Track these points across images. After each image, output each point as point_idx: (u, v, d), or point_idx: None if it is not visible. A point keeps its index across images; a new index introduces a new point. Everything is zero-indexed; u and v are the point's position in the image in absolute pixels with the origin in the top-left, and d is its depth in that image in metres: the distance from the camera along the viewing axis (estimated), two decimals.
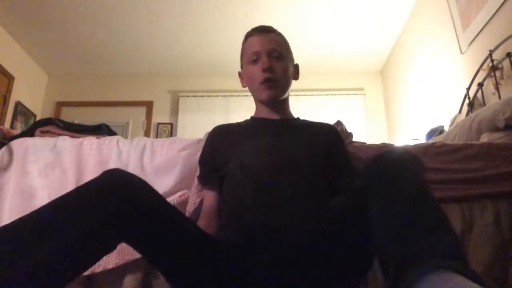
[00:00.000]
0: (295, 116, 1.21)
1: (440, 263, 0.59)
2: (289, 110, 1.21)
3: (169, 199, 1.12)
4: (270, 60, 1.10)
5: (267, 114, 1.16)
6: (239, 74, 1.23)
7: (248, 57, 1.14)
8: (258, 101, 1.18)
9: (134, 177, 0.78)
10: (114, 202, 0.70)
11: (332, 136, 1.13)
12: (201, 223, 1.02)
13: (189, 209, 1.12)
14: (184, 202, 1.12)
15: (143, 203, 0.74)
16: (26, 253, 0.61)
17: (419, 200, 0.72)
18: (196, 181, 1.16)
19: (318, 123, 1.19)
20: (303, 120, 1.20)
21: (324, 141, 1.08)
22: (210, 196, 1.08)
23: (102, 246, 0.72)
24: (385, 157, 0.81)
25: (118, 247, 1.01)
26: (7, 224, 0.66)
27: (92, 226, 0.67)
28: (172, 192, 1.14)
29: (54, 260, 0.63)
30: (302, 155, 1.01)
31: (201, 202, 1.12)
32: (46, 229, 0.65)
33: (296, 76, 1.22)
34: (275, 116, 1.15)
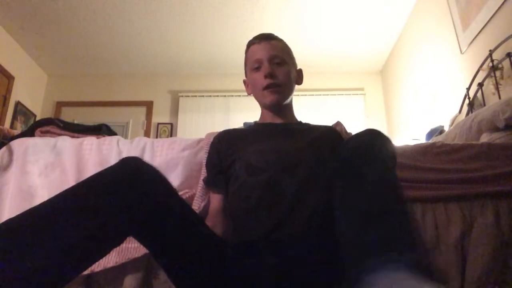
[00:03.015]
0: (298, 120, 1.24)
1: (389, 259, 0.59)
2: (293, 114, 1.23)
3: None
4: (271, 67, 1.13)
5: (271, 119, 1.18)
6: (244, 82, 1.26)
7: (251, 65, 1.18)
8: (262, 106, 1.21)
9: (150, 168, 0.77)
10: (127, 193, 0.69)
11: (335, 140, 1.14)
12: (208, 224, 1.03)
13: (196, 200, 1.12)
14: (186, 201, 1.12)
15: (156, 196, 0.74)
16: (34, 247, 0.60)
17: (379, 189, 0.73)
18: (201, 184, 1.15)
19: (321, 126, 1.21)
20: (306, 124, 1.22)
21: (328, 144, 1.09)
22: (216, 199, 1.10)
23: (111, 239, 0.71)
24: (351, 142, 0.82)
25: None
26: (12, 219, 0.64)
27: (102, 219, 0.66)
28: None
29: (62, 254, 0.62)
30: (307, 156, 1.02)
31: (205, 206, 1.12)
32: (57, 221, 0.64)
33: (299, 81, 1.24)
34: (279, 121, 1.17)
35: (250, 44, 1.21)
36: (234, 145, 1.11)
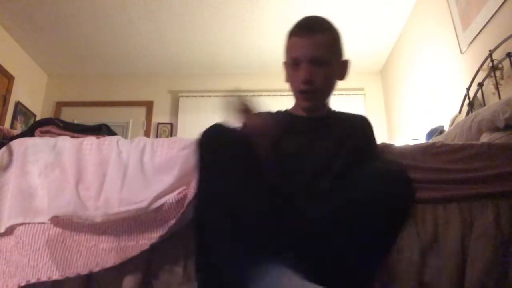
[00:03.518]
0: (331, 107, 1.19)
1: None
2: (328, 105, 1.17)
3: (167, 197, 1.12)
4: (310, 70, 1.02)
5: (303, 112, 1.12)
6: (283, 66, 1.14)
7: (289, 60, 1.08)
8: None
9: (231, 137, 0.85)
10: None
11: (365, 133, 1.13)
12: None
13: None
14: (183, 199, 1.12)
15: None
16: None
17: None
18: None
19: (353, 116, 1.17)
20: (339, 115, 1.17)
21: (358, 141, 1.08)
22: None
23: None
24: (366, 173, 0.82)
25: (115, 245, 1.01)
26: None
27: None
28: (171, 190, 1.14)
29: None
30: (338, 158, 1.00)
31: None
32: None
33: (342, 75, 1.13)
34: (312, 114, 1.11)
35: (292, 34, 1.08)
36: None
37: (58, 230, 1.11)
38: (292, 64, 1.06)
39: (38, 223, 1.11)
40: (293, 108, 1.17)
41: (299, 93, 1.06)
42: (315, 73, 1.03)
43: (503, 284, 1.07)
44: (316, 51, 1.03)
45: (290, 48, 1.08)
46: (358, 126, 1.13)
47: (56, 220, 1.11)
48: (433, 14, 3.02)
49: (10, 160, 1.21)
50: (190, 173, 1.17)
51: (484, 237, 1.10)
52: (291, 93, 1.13)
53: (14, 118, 3.95)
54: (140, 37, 3.97)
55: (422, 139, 2.72)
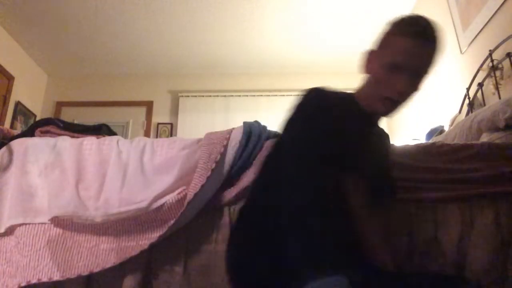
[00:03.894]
0: None
1: None
2: None
3: (167, 197, 1.12)
4: (409, 82, 0.94)
5: (368, 109, 1.02)
6: (369, 54, 1.05)
7: (391, 60, 0.95)
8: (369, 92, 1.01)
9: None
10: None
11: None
12: None
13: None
14: (183, 199, 1.12)
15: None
16: None
17: None
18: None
19: (382, 129, 1.16)
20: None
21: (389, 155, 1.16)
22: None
23: None
24: None
25: (115, 246, 1.02)
26: None
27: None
28: (171, 190, 1.14)
29: None
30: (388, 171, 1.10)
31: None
32: None
33: (419, 87, 1.02)
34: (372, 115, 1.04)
35: (406, 33, 0.96)
36: (344, 136, 0.93)
37: (59, 230, 1.11)
38: (390, 65, 0.94)
39: (39, 224, 1.11)
40: (359, 97, 1.04)
41: (385, 99, 0.96)
42: (410, 85, 0.95)
43: (503, 284, 1.07)
44: (425, 63, 0.95)
45: (398, 48, 0.95)
46: (388, 141, 1.18)
47: (56, 221, 1.11)
48: (433, 14, 3.02)
49: (10, 160, 1.21)
50: (190, 173, 1.17)
51: (484, 237, 1.10)
52: (368, 84, 1.03)
53: (14, 118, 3.95)
54: (140, 37, 3.97)
55: (422, 139, 2.72)
